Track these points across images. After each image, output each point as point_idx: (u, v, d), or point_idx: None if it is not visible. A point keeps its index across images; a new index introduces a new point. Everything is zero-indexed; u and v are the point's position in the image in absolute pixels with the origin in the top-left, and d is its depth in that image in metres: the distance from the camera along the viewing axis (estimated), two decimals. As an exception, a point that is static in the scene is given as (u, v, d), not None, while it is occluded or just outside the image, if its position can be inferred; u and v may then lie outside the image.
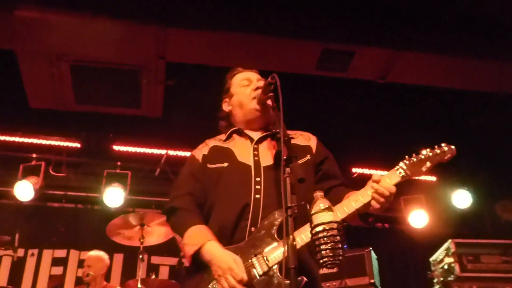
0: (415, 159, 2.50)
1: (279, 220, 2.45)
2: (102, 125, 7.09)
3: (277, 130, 2.52)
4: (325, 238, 2.09)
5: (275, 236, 2.44)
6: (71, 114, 6.86)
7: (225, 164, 2.72)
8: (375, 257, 5.18)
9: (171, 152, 7.15)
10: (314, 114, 6.84)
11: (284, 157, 2.28)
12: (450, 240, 5.40)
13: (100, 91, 6.50)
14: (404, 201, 7.72)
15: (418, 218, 7.58)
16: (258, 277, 2.39)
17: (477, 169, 7.76)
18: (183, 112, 6.70)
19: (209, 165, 2.76)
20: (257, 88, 2.83)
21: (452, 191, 7.71)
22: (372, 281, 4.92)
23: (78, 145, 7.25)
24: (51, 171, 7.22)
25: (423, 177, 7.85)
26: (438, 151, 2.51)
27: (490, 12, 5.72)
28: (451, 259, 5.25)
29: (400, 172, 2.47)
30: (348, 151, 7.10)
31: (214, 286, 2.43)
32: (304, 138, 2.91)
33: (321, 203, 2.17)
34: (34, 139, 7.13)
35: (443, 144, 2.54)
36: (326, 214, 2.13)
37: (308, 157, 2.78)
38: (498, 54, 6.04)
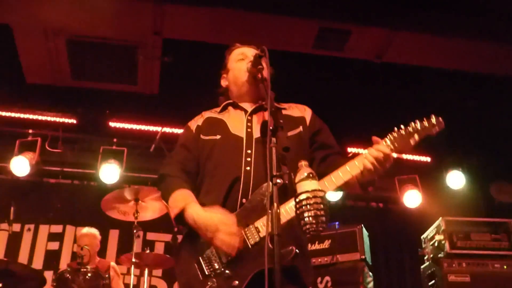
0: (403, 132, 2.50)
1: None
2: (98, 102, 7.10)
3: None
4: (308, 206, 2.11)
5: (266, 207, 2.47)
6: (68, 90, 6.88)
7: (218, 137, 2.76)
8: (367, 234, 5.24)
9: (167, 129, 7.16)
10: (310, 92, 6.84)
11: (271, 127, 2.30)
12: (440, 218, 5.45)
13: (96, 67, 6.51)
14: (399, 181, 7.78)
15: (412, 198, 7.64)
16: (249, 248, 2.43)
17: (472, 150, 7.79)
18: (179, 89, 6.70)
19: (202, 136, 2.81)
20: (250, 62, 2.84)
21: (446, 172, 7.75)
22: (363, 257, 4.97)
23: (74, 121, 7.25)
24: (47, 147, 7.22)
25: (417, 158, 7.90)
26: (427, 124, 2.51)
27: (487, -8, 5.72)
28: (441, 237, 5.30)
29: (388, 145, 2.48)
30: (344, 130, 7.12)
31: (205, 256, 2.47)
32: (299, 110, 2.94)
33: (305, 171, 2.20)
34: (30, 114, 7.13)
35: (432, 115, 2.53)
36: (310, 182, 2.16)
37: (301, 128, 2.81)
38: (495, 36, 6.04)
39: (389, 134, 2.51)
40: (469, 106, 7.25)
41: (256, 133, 2.72)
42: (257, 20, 5.88)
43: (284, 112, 2.82)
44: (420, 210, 7.59)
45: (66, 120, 7.25)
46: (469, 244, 5.30)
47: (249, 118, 2.81)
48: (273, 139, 2.28)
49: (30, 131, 7.17)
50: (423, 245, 5.77)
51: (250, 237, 2.44)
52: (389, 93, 7.03)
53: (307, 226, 2.11)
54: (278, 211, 2.14)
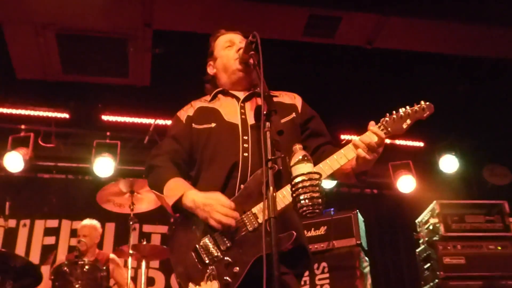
0: (395, 116, 2.55)
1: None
2: (90, 95, 7.08)
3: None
4: (304, 188, 2.13)
5: (263, 193, 2.44)
6: (59, 84, 6.85)
7: (213, 125, 2.75)
8: (362, 219, 5.26)
9: (160, 121, 7.16)
10: (302, 80, 6.84)
11: (264, 112, 2.31)
12: (435, 202, 5.48)
13: (87, 60, 6.49)
14: (392, 167, 7.82)
15: (406, 184, 7.69)
16: (248, 234, 2.43)
17: (465, 135, 7.84)
18: (171, 80, 6.69)
19: (195, 126, 2.78)
20: (239, 49, 2.84)
21: (440, 156, 7.80)
22: (358, 242, 5.00)
23: (66, 115, 7.23)
24: (40, 142, 7.21)
25: (410, 143, 7.94)
26: (417, 108, 2.57)
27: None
28: (436, 220, 5.33)
29: (382, 129, 2.52)
30: (336, 117, 7.14)
31: (203, 244, 2.47)
32: (289, 97, 2.94)
33: (299, 154, 2.21)
34: (22, 110, 7.10)
35: (421, 101, 2.59)
36: (304, 165, 2.17)
37: (294, 115, 2.81)
38: (486, 19, 6.04)
39: (382, 119, 2.56)
40: (460, 90, 7.28)
41: (251, 120, 2.72)
42: (247, 8, 5.86)
43: (275, 99, 2.81)
44: (414, 195, 7.63)
45: (59, 115, 7.23)
46: (463, 227, 5.34)
47: (242, 105, 2.81)
48: (267, 124, 2.29)
49: (23, 126, 7.15)
50: (418, 229, 5.82)
51: (248, 223, 2.45)
52: (381, 79, 7.05)
53: (304, 209, 2.12)
54: (274, 194, 2.16)
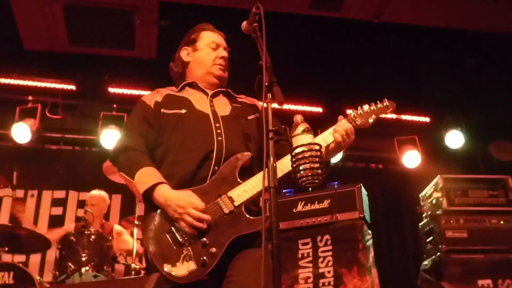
0: (360, 112, 2.75)
1: (240, 162, 2.58)
2: (96, 67, 7.08)
3: (229, 89, 2.92)
4: (304, 159, 2.17)
5: (237, 178, 2.56)
6: (66, 56, 6.87)
7: (183, 111, 2.78)
8: (366, 193, 5.27)
9: (166, 93, 7.16)
10: (308, 55, 6.84)
11: (266, 84, 2.33)
12: (438, 176, 5.49)
13: (94, 32, 6.49)
14: (398, 142, 7.81)
15: (411, 159, 7.69)
16: (224, 216, 2.50)
17: (471, 110, 7.80)
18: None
19: (164, 110, 2.80)
20: (222, 57, 2.95)
21: (446, 132, 7.77)
22: (361, 215, 5.00)
23: (73, 87, 7.25)
24: (47, 113, 7.25)
25: (416, 118, 7.91)
26: (381, 105, 2.80)
27: None
28: (439, 194, 5.35)
29: (350, 121, 2.70)
30: (342, 91, 7.13)
31: (177, 225, 2.50)
32: (248, 101, 3.03)
33: (301, 126, 2.24)
34: (29, 81, 7.12)
35: (385, 99, 2.83)
36: (305, 136, 2.21)
37: (257, 114, 2.90)
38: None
39: (352, 111, 2.77)
40: (468, 64, 7.24)
41: (220, 112, 2.80)
42: (254, -19, 5.82)
43: (240, 99, 2.96)
44: (419, 170, 7.64)
45: (66, 87, 7.25)
46: (466, 201, 5.35)
47: (211, 99, 2.88)
48: (269, 95, 2.32)
49: (30, 97, 7.19)
50: (421, 203, 5.83)
51: (224, 206, 2.51)
52: (388, 53, 7.01)
53: (303, 179, 2.16)
54: (275, 165, 2.19)
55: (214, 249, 2.45)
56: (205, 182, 2.58)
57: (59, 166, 7.53)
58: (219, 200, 2.53)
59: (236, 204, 2.51)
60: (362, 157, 8.26)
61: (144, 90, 7.30)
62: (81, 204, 7.07)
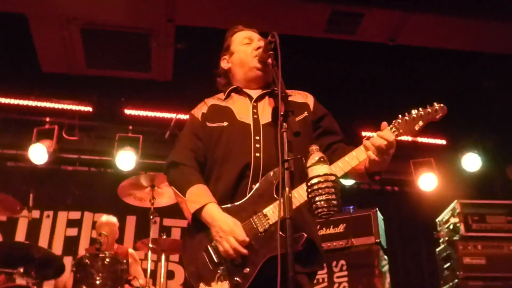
0: (407, 118, 2.51)
1: (276, 177, 2.48)
2: (113, 89, 7.17)
3: (275, 88, 2.56)
4: (320, 190, 2.14)
5: (274, 194, 2.48)
6: (83, 78, 6.96)
7: (225, 123, 2.74)
8: (381, 217, 5.24)
9: (181, 116, 7.20)
10: (323, 77, 6.84)
11: (281, 113, 2.32)
12: (456, 201, 5.44)
13: (111, 55, 6.57)
14: (414, 164, 7.75)
15: (427, 181, 7.62)
16: (259, 235, 2.45)
17: (488, 132, 7.74)
18: (192, 75, 6.73)
19: (208, 124, 2.78)
20: (258, 48, 2.84)
21: (462, 155, 7.70)
22: (377, 240, 4.98)
23: (90, 109, 7.33)
24: (64, 135, 7.33)
25: (432, 141, 7.86)
26: (430, 110, 2.53)
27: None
28: (456, 219, 5.30)
29: (394, 130, 2.49)
30: (358, 114, 7.11)
31: (214, 245, 2.48)
32: (301, 96, 2.93)
33: (316, 156, 2.22)
34: (47, 102, 7.22)
35: (434, 103, 2.55)
36: (321, 166, 2.18)
37: (306, 113, 2.80)
38: (510, 15, 5.96)
39: (394, 121, 2.53)
40: (485, 87, 7.19)
41: (263, 119, 2.72)
42: (270, 4, 5.87)
43: (289, 98, 2.76)
44: (435, 193, 7.57)
45: (82, 108, 7.34)
46: (484, 227, 5.29)
47: (254, 104, 2.80)
48: (284, 125, 2.30)
49: (47, 119, 7.27)
50: (438, 228, 5.78)
51: (259, 224, 2.47)
52: (404, 76, 6.99)
53: (319, 210, 2.14)
54: (290, 195, 2.17)
55: (248, 269, 2.41)
56: (243, 199, 2.54)
57: (74, 187, 7.57)
58: (254, 217, 2.49)
59: (270, 222, 2.45)
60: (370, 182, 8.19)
61: (159, 112, 7.36)
62: (95, 225, 7.09)
